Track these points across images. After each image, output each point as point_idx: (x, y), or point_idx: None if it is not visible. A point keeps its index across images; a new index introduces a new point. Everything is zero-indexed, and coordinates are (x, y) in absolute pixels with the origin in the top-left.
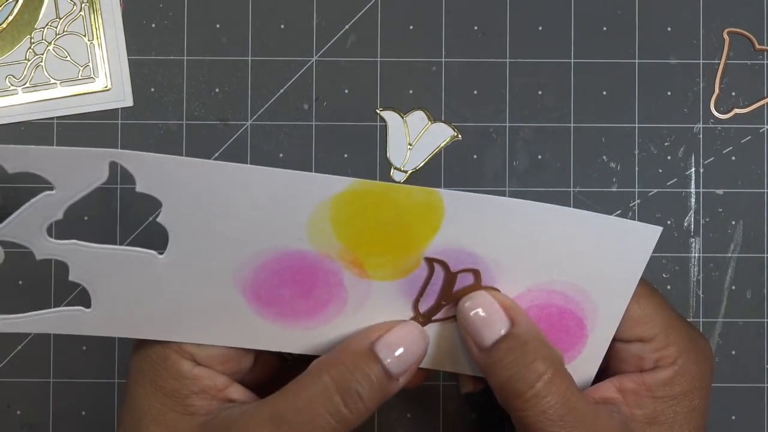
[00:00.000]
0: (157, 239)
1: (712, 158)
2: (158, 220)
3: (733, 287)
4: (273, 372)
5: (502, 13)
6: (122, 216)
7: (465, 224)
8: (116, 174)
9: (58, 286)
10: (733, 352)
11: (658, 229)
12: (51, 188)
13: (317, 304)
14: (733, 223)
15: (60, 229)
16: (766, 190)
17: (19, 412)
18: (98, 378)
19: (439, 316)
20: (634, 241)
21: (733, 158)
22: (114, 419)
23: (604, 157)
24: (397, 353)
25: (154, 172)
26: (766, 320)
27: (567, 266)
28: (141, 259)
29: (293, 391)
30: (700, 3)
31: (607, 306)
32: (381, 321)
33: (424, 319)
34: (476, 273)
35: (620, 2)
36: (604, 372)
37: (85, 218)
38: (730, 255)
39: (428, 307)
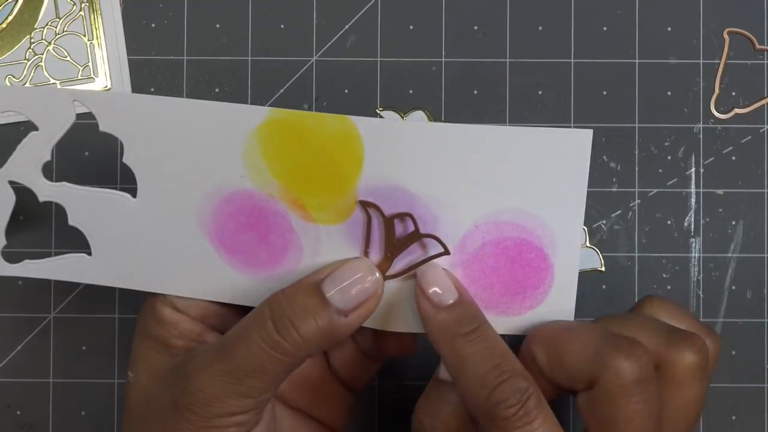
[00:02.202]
0: None
1: (712, 158)
2: (123, 160)
3: (733, 287)
4: None
5: (502, 13)
6: None
7: (389, 155)
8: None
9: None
10: (733, 352)
11: (588, 132)
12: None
13: (276, 250)
14: (733, 223)
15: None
16: (766, 190)
17: (19, 412)
18: (98, 378)
19: (390, 272)
20: (568, 150)
21: (733, 158)
22: (114, 419)
23: (604, 157)
24: (341, 286)
25: (113, 110)
26: (766, 320)
27: (509, 191)
28: (118, 201)
29: (239, 323)
30: (700, 3)
31: (563, 226)
32: None
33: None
34: (411, 217)
35: (620, 2)
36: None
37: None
38: (730, 255)
39: (378, 260)
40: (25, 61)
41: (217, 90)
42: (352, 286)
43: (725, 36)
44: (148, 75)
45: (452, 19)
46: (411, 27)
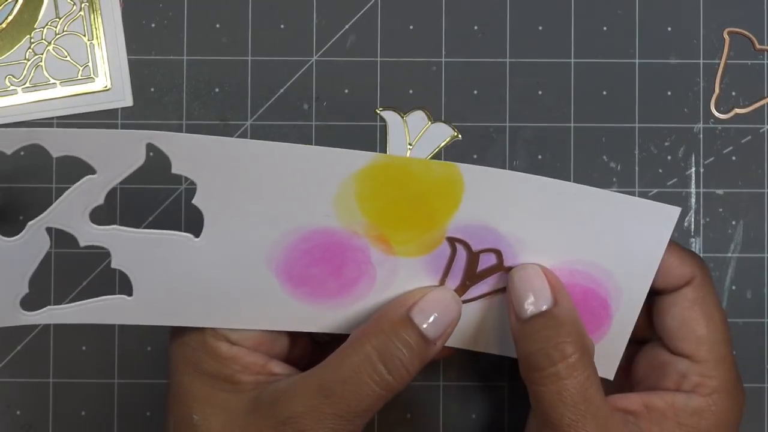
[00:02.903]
0: None
1: (712, 158)
2: (193, 202)
3: (733, 287)
4: (307, 356)
5: (502, 13)
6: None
7: (486, 200)
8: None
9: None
10: (734, 352)
11: (676, 210)
12: (93, 172)
13: (347, 281)
14: (733, 223)
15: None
16: (766, 190)
17: (19, 412)
18: (98, 378)
19: (464, 297)
20: (653, 222)
21: (733, 158)
22: (114, 419)
23: (604, 157)
24: (431, 318)
25: (187, 152)
26: (766, 320)
27: (589, 245)
28: (178, 242)
29: (337, 362)
30: (700, 3)
31: (631, 287)
32: None
33: None
34: (498, 252)
35: (620, 2)
36: (637, 384)
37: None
38: (730, 255)
39: (454, 287)
40: (25, 61)
41: (217, 90)
42: (441, 317)
43: (725, 36)
44: (148, 75)
45: (452, 19)
46: (411, 27)
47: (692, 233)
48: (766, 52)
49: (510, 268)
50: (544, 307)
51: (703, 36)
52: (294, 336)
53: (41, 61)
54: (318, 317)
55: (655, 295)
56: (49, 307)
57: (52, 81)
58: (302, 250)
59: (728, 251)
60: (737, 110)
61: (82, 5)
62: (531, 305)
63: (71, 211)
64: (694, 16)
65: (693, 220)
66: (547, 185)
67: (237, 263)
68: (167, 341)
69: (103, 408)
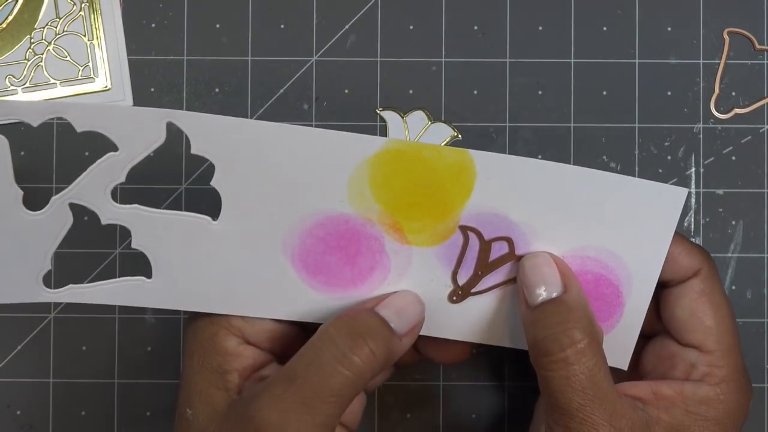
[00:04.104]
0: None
1: (712, 158)
2: (212, 183)
3: (733, 287)
4: None
5: (502, 13)
6: None
7: (498, 186)
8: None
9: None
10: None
11: (683, 191)
12: (115, 149)
13: (362, 271)
14: (733, 223)
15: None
16: (766, 190)
17: (19, 412)
18: (98, 378)
19: (477, 288)
20: (662, 204)
21: (733, 158)
22: (114, 419)
23: (604, 157)
24: (395, 312)
25: (207, 132)
26: (766, 320)
27: (599, 231)
28: (196, 224)
29: (303, 350)
30: (700, 3)
31: (642, 273)
32: (423, 290)
33: (463, 291)
34: (509, 241)
35: (620, 2)
36: (645, 377)
37: (85, 218)
38: (730, 255)
39: (467, 278)
40: (25, 61)
41: (217, 90)
42: (405, 310)
43: (725, 36)
44: (148, 75)
45: (452, 19)
46: (411, 27)
47: (692, 233)
48: (766, 52)
49: (521, 257)
50: (554, 294)
51: (703, 36)
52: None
53: (41, 61)
54: (332, 308)
55: (662, 288)
56: (70, 285)
57: (52, 81)
58: (317, 236)
59: (728, 251)
60: (737, 110)
61: (82, 5)
62: (541, 292)
63: (94, 187)
64: (694, 16)
65: (693, 220)
66: (558, 170)
67: (253, 248)
68: (167, 341)
69: (103, 408)
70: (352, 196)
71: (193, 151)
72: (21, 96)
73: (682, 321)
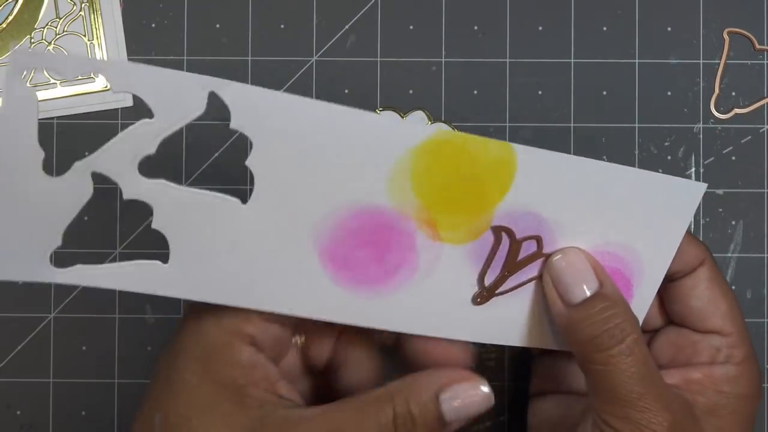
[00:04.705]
0: (153, 244)
1: (712, 158)
2: (246, 163)
3: (733, 287)
4: (300, 376)
5: (502, 13)
6: (122, 218)
7: (534, 182)
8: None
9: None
10: None
11: (702, 186)
12: (150, 116)
13: (388, 269)
14: (733, 223)
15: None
16: (766, 190)
17: (19, 412)
18: (98, 378)
19: (502, 288)
20: (679, 198)
21: (733, 158)
22: (114, 419)
23: (604, 157)
24: (456, 405)
25: (250, 106)
26: (766, 320)
27: (621, 226)
28: (225, 206)
29: (356, 412)
30: (700, 3)
31: (652, 265)
32: (449, 291)
33: (488, 293)
34: (538, 239)
35: (620, 2)
36: (664, 366)
37: (85, 218)
38: (730, 255)
39: (493, 279)
40: None
41: None
42: (468, 408)
43: (725, 36)
44: None
45: (452, 19)
46: (411, 27)
47: (692, 233)
48: (766, 52)
49: (549, 255)
50: (593, 290)
51: (703, 36)
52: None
53: None
54: (357, 308)
55: (668, 281)
56: (79, 265)
57: (52, 81)
58: (349, 229)
59: (728, 251)
60: (737, 110)
61: (82, 5)
62: (581, 289)
63: (122, 156)
64: (694, 16)
65: (693, 220)
66: (592, 166)
67: (281, 237)
68: (167, 341)
69: (103, 408)
70: (391, 187)
71: (233, 125)
72: None
73: (699, 309)
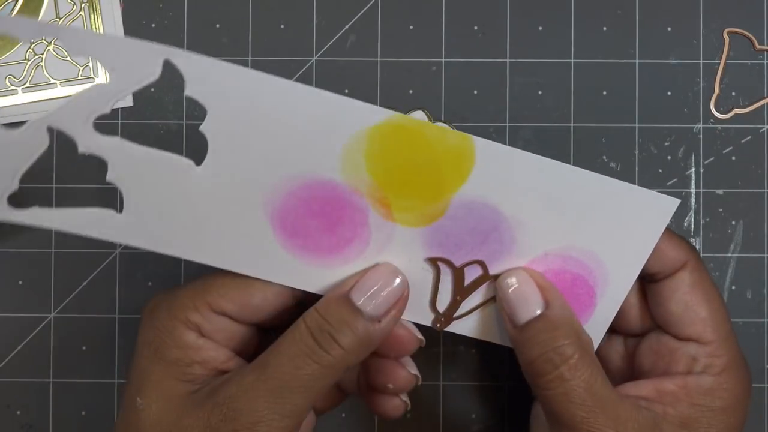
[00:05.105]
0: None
1: (712, 158)
2: (200, 129)
3: (733, 287)
4: None
5: (502, 13)
6: None
7: (494, 177)
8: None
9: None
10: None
11: (675, 201)
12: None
13: (340, 241)
14: (733, 223)
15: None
16: (766, 190)
17: (19, 412)
18: (98, 378)
19: (458, 313)
20: (651, 211)
21: (733, 158)
22: (114, 419)
23: (604, 157)
24: (370, 293)
25: (204, 76)
26: (766, 320)
27: (586, 232)
28: (178, 166)
29: (276, 343)
30: (700, 3)
31: (619, 275)
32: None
33: (445, 318)
34: (482, 264)
35: (620, 2)
36: (644, 376)
37: None
38: (730, 255)
39: (446, 306)
40: (25, 61)
41: None
42: (379, 291)
43: (725, 36)
44: None
45: (452, 19)
46: (411, 27)
47: (692, 233)
48: (766, 52)
49: (497, 276)
50: (537, 311)
51: (703, 36)
52: (269, 336)
53: (41, 61)
54: (304, 274)
55: (650, 283)
56: (36, 206)
57: (53, 81)
58: (301, 198)
59: (728, 251)
60: (737, 110)
61: (82, 5)
62: (524, 312)
63: (76, 114)
64: (694, 16)
65: (693, 220)
66: (556, 168)
67: (233, 200)
68: None
69: (103, 408)
70: (344, 164)
71: (187, 92)
72: (21, 96)
73: (678, 315)
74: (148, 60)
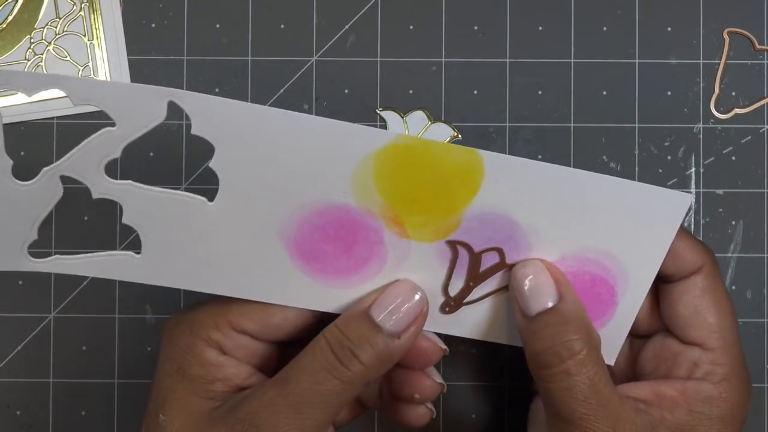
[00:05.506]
0: None
1: (712, 158)
2: (210, 165)
3: (733, 287)
4: None
5: (502, 13)
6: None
7: (504, 188)
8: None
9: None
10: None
11: (688, 197)
12: (112, 124)
13: (357, 261)
14: (733, 223)
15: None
16: (766, 190)
17: (19, 412)
18: (98, 378)
19: (469, 298)
20: (665, 208)
21: (733, 158)
22: (114, 419)
23: (604, 157)
24: (389, 310)
25: (209, 114)
26: (766, 320)
27: (601, 234)
28: (192, 204)
29: (296, 358)
30: (700, 3)
31: (638, 273)
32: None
33: (455, 302)
34: (500, 251)
35: (620, 2)
36: (646, 377)
37: (85, 218)
38: (730, 255)
39: (458, 289)
40: (25, 61)
41: (217, 90)
42: (399, 307)
43: (725, 36)
44: (148, 75)
45: (452, 19)
46: (411, 27)
47: (692, 233)
48: (766, 52)
49: (513, 266)
50: (550, 304)
51: (703, 36)
52: (284, 354)
53: (41, 62)
54: (324, 296)
55: (663, 283)
56: (56, 255)
57: None
58: (316, 225)
59: (728, 251)
60: (737, 110)
61: (82, 5)
62: (537, 302)
63: (87, 161)
64: (694, 16)
65: (693, 220)
66: (566, 174)
67: (249, 232)
68: None
69: (103, 408)
70: (354, 188)
71: (194, 131)
72: (21, 96)
73: (685, 318)
74: (153, 103)
